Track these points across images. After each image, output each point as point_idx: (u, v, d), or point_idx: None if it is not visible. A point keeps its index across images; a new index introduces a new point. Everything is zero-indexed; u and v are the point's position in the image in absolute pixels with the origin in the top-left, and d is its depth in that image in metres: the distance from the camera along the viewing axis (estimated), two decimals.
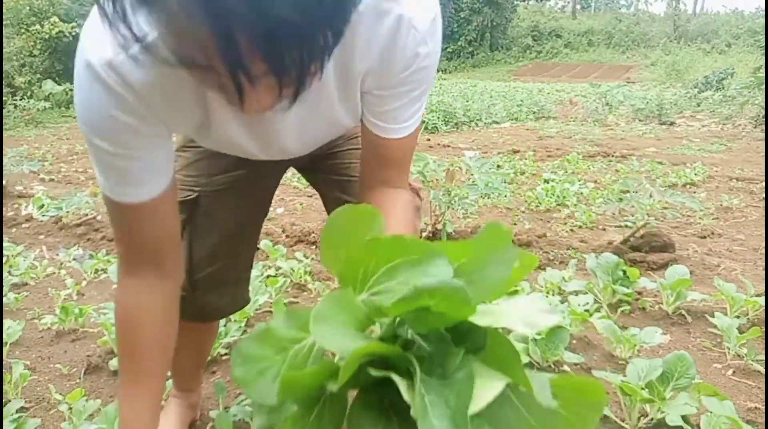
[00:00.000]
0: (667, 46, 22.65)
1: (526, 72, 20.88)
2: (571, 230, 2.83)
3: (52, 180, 4.27)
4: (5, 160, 3.63)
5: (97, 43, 0.61)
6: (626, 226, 2.76)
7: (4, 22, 7.84)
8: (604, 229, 2.83)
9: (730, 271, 2.18)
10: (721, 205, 3.25)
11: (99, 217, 3.05)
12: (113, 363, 1.51)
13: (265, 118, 0.72)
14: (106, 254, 2.48)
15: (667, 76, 15.66)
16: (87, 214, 3.07)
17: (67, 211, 3.09)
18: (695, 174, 4.02)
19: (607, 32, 26.59)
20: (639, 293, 1.89)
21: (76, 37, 7.74)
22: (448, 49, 21.98)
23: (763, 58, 9.06)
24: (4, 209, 3.35)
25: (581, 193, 3.49)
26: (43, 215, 3.18)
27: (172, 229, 0.79)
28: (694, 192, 3.61)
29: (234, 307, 1.14)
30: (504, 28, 24.97)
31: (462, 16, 22.18)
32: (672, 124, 7.63)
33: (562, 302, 1.72)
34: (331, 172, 1.07)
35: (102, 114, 0.64)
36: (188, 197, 0.97)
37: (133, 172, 0.69)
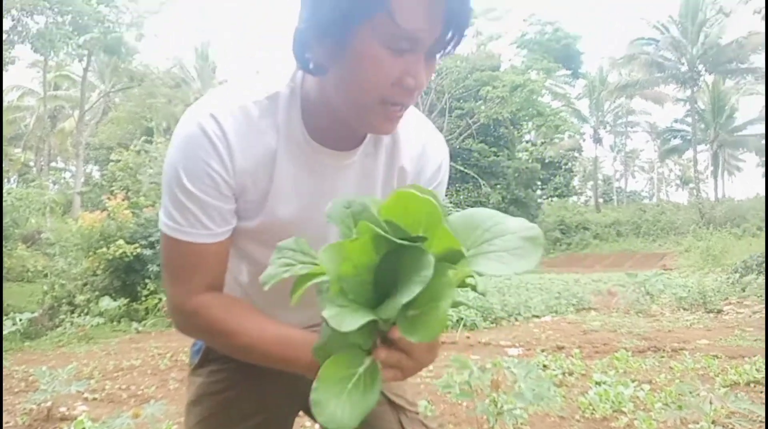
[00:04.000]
0: (697, 232, 22.98)
1: (558, 263, 21.17)
2: None
3: (95, 399, 4.30)
4: (56, 381, 3.72)
5: (205, 110, 0.81)
6: None
7: (76, 245, 8.72)
8: None
9: None
10: None
11: None
12: None
13: (319, 191, 0.87)
14: None
15: (703, 261, 15.61)
16: None
17: None
18: (757, 370, 3.76)
19: (633, 223, 27.41)
20: None
21: (137, 257, 8.53)
22: None
23: None
24: None
25: (637, 397, 3.28)
26: None
27: (225, 267, 0.87)
28: (761, 391, 3.34)
29: None
30: None
31: None
32: (720, 311, 7.40)
33: None
34: None
35: (201, 162, 0.79)
36: None
37: (211, 216, 0.82)
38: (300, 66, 0.80)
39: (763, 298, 8.11)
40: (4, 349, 6.98)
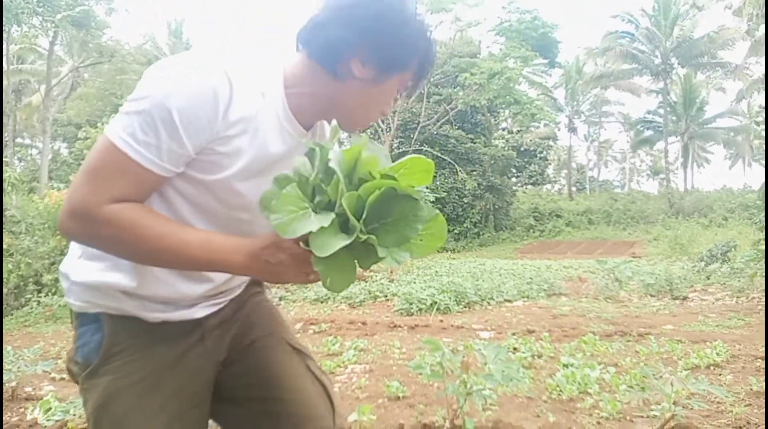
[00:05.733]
0: (665, 221, 23.57)
1: (531, 250, 21.49)
2: (598, 423, 2.68)
3: (62, 379, 4.22)
4: (21, 361, 3.64)
5: (219, 67, 0.87)
6: (654, 416, 2.61)
7: (44, 224, 8.48)
8: (632, 421, 2.68)
9: None
10: (751, 389, 3.10)
11: None
12: None
13: (280, 154, 0.96)
14: None
15: (671, 250, 16.04)
16: None
17: (74, 414, 3.01)
18: (717, 354, 3.90)
19: (605, 211, 27.95)
20: None
21: None
22: (455, 231, 23.02)
23: (760, 232, 9.38)
24: (10, 415, 3.27)
25: (603, 380, 3.37)
26: (48, 420, 3.08)
27: (142, 200, 0.89)
28: (720, 374, 3.47)
29: None
30: (506, 211, 26.39)
31: (465, 201, 23.68)
32: (685, 298, 7.62)
33: None
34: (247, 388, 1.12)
35: (201, 114, 0.84)
36: None
37: (171, 152, 0.85)
38: (325, 63, 0.94)
39: (726, 285, 8.39)
40: None
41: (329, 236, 0.79)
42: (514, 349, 4.43)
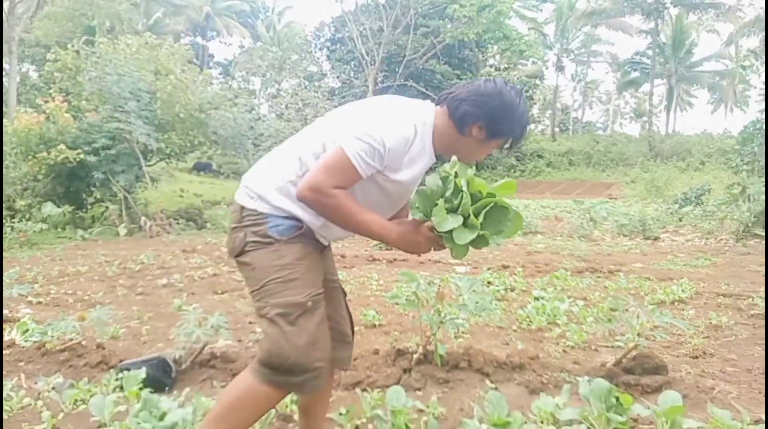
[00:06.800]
0: (644, 164, 23.85)
1: None
2: (564, 351, 2.80)
3: (39, 303, 4.23)
4: None
5: (411, 121, 1.48)
6: (618, 347, 2.73)
7: (14, 149, 8.22)
8: (597, 350, 2.80)
9: (725, 394, 2.14)
10: (711, 323, 3.25)
11: (84, 342, 2.99)
12: None
13: (421, 171, 1.54)
14: (87, 383, 2.40)
15: (647, 192, 16.33)
16: (72, 340, 3.00)
17: (52, 336, 3.03)
18: (682, 291, 4.06)
19: (586, 152, 28.12)
20: (634, 420, 1.84)
21: (80, 163, 8.07)
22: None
23: (735, 176, 9.56)
24: None
25: (571, 312, 3.49)
26: (26, 341, 3.10)
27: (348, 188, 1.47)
28: (683, 309, 3.62)
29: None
30: None
31: None
32: (656, 238, 7.84)
33: None
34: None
35: (400, 149, 1.45)
36: (320, 292, 1.53)
37: (372, 167, 1.43)
38: (457, 124, 1.51)
39: (697, 227, 8.63)
40: None
41: (462, 230, 1.36)
42: (489, 282, 4.54)
